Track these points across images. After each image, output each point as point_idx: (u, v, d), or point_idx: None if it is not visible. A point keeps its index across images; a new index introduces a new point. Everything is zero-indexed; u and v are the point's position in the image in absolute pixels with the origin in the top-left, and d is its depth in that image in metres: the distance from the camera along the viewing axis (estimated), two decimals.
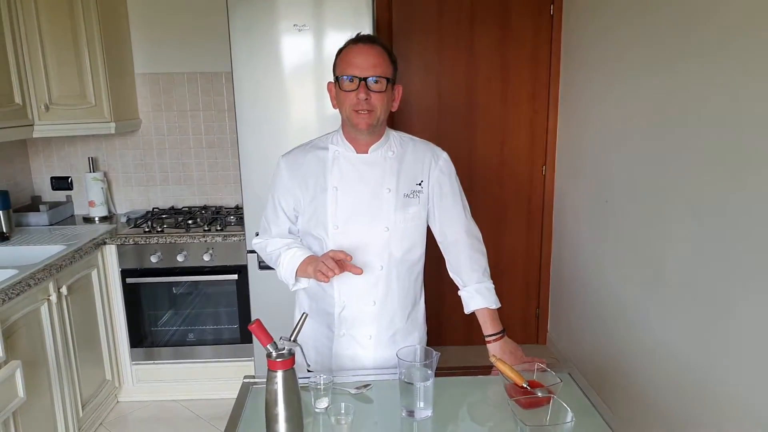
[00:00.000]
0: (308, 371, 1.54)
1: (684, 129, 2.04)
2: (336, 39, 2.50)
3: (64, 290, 2.42)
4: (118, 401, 2.98)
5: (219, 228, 2.88)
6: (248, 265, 2.71)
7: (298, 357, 1.30)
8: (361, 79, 1.42)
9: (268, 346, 1.26)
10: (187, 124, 3.29)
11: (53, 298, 2.34)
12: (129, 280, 2.85)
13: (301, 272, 1.54)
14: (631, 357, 2.47)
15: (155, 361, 2.97)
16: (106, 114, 2.89)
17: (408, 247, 1.57)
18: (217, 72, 3.22)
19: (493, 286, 1.64)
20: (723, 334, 1.83)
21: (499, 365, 1.43)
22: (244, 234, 2.72)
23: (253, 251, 2.69)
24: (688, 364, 2.03)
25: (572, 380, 1.54)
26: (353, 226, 1.52)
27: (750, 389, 1.70)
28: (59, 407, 2.39)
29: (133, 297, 2.89)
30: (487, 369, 1.56)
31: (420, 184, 1.56)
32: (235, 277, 2.85)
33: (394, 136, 1.59)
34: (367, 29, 2.50)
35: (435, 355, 1.36)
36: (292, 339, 1.29)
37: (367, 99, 1.43)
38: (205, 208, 3.28)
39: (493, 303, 1.61)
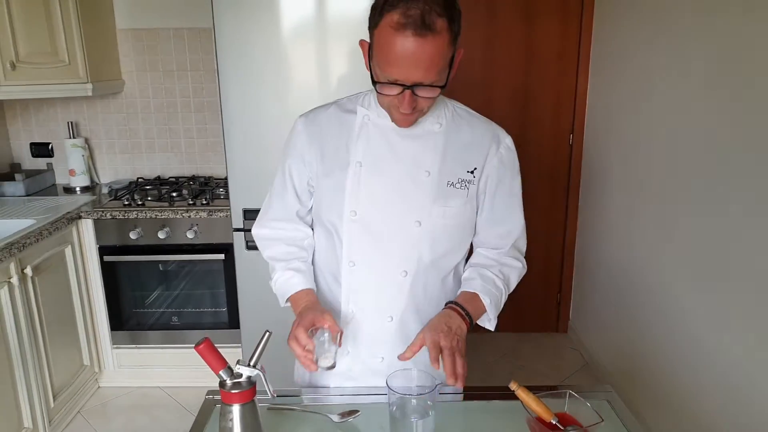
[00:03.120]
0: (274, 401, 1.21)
1: (743, 94, 1.68)
2: None
3: (28, 270, 2.17)
4: (99, 387, 2.77)
5: (204, 202, 2.60)
6: (234, 244, 2.43)
7: (261, 386, 1.02)
8: (405, 87, 1.02)
9: (220, 373, 0.99)
10: (174, 86, 2.98)
11: (14, 280, 2.09)
12: (107, 258, 2.60)
13: (293, 305, 1.24)
14: (665, 355, 2.17)
15: (138, 346, 2.74)
16: (82, 73, 2.59)
17: (443, 251, 1.21)
18: (205, 28, 2.88)
19: (503, 292, 1.26)
20: None
21: (521, 394, 1.13)
22: (230, 210, 2.43)
23: (240, 229, 2.41)
24: (736, 369, 1.72)
25: (612, 410, 1.24)
26: (376, 215, 1.17)
27: None
28: (24, 398, 2.16)
29: (111, 276, 2.64)
30: (503, 392, 1.23)
31: (472, 173, 1.19)
32: (221, 257, 2.58)
33: (445, 105, 1.20)
34: None
35: (437, 383, 1.07)
36: (251, 364, 1.00)
37: (412, 107, 1.05)
38: (193, 178, 2.99)
39: (491, 305, 1.21)
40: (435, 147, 1.18)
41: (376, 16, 1.01)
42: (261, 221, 1.33)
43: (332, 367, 1.10)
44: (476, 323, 1.24)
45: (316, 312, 1.11)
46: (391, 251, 1.19)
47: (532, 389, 1.13)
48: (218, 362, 0.98)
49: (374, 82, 1.06)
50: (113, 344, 2.73)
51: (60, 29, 2.51)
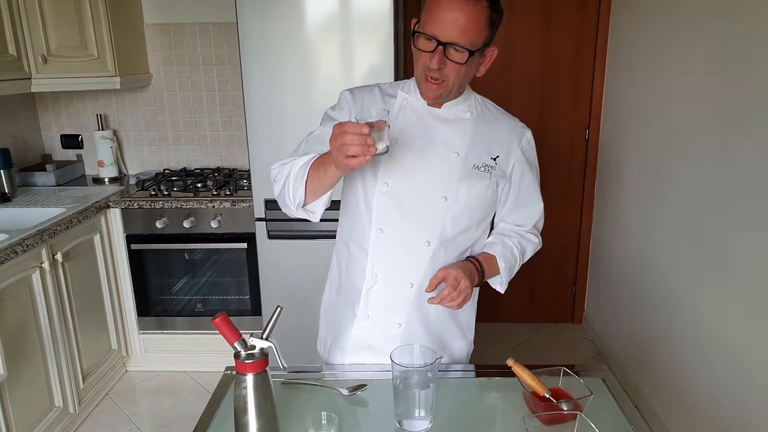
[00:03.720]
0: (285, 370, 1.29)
1: (757, 91, 1.69)
2: None
3: (59, 257, 2.28)
4: (127, 370, 2.88)
5: (228, 193, 2.68)
6: (257, 233, 2.51)
7: (273, 357, 1.09)
8: (440, 43, 1.14)
9: (235, 344, 1.06)
10: (200, 80, 3.08)
11: (46, 265, 2.20)
12: (134, 246, 2.70)
13: (317, 177, 1.20)
14: (679, 347, 2.19)
15: (164, 331, 2.85)
16: (110, 67, 2.69)
17: (464, 227, 1.31)
18: (230, 23, 2.94)
19: (518, 261, 1.38)
20: None
21: (517, 369, 1.19)
22: (252, 200, 2.52)
23: (262, 219, 2.49)
24: (749, 363, 1.74)
25: (606, 388, 1.29)
26: (407, 187, 1.27)
27: None
28: (55, 379, 2.28)
29: (138, 264, 2.75)
30: (501, 370, 1.29)
31: (495, 160, 1.30)
32: (243, 246, 2.67)
33: (476, 98, 1.33)
34: None
35: (437, 358, 1.13)
36: (264, 336, 1.07)
37: (439, 68, 1.16)
38: (218, 170, 3.09)
39: (505, 270, 1.34)
40: (465, 132, 1.29)
41: None
42: (287, 158, 1.33)
43: (386, 150, 1.09)
44: (488, 283, 1.37)
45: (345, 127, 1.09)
46: (418, 222, 1.28)
47: (529, 368, 1.19)
48: (233, 334, 1.05)
49: (415, 34, 1.16)
50: (140, 329, 2.84)
51: (89, 24, 2.60)
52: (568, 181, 3.21)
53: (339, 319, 1.41)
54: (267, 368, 1.06)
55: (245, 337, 1.06)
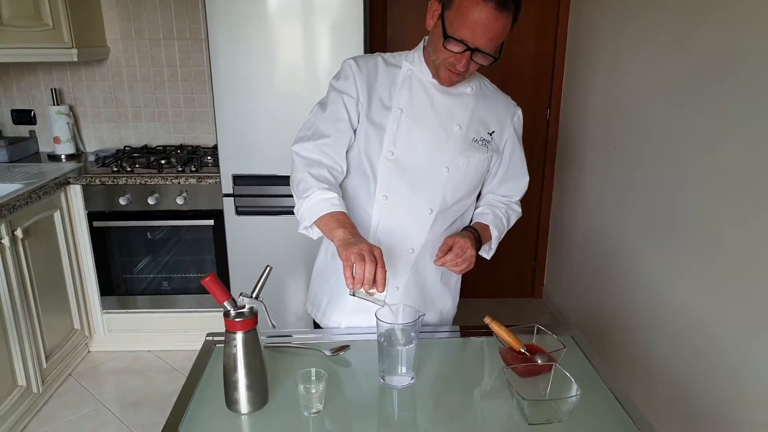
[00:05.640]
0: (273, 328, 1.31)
1: (708, 69, 1.79)
2: None
3: (19, 233, 2.21)
4: (89, 351, 2.83)
5: (194, 169, 2.65)
6: (224, 209, 2.49)
7: (262, 316, 1.11)
8: (469, 48, 1.18)
9: (225, 303, 1.07)
10: (161, 55, 3.00)
11: (5, 241, 2.13)
12: (96, 224, 2.64)
13: (323, 227, 1.22)
14: (636, 316, 2.31)
15: (128, 310, 2.80)
16: (66, 38, 2.59)
17: (461, 195, 1.38)
18: None
19: (505, 228, 1.48)
20: (744, 293, 1.65)
21: (494, 326, 1.25)
22: (219, 176, 2.50)
23: (229, 195, 2.47)
24: (700, 327, 1.86)
25: (576, 344, 1.37)
26: (412, 156, 1.31)
27: None
28: (18, 358, 2.22)
29: (101, 242, 2.68)
30: (479, 329, 1.36)
31: (491, 135, 1.37)
32: (210, 222, 2.64)
33: (474, 76, 1.38)
34: None
35: (420, 315, 1.17)
36: (254, 296, 1.09)
37: (466, 67, 1.22)
38: (180, 147, 3.03)
39: (495, 236, 1.44)
40: (466, 106, 1.35)
41: None
42: (308, 140, 1.32)
43: (376, 301, 1.14)
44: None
45: (367, 242, 1.13)
46: (421, 190, 1.33)
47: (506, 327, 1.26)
48: (223, 294, 1.06)
49: (445, 37, 1.18)
50: (103, 309, 2.78)
51: None
52: (530, 159, 3.22)
53: (335, 281, 1.43)
54: (256, 327, 1.08)
55: (234, 296, 1.08)
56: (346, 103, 1.32)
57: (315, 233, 1.29)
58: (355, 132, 1.33)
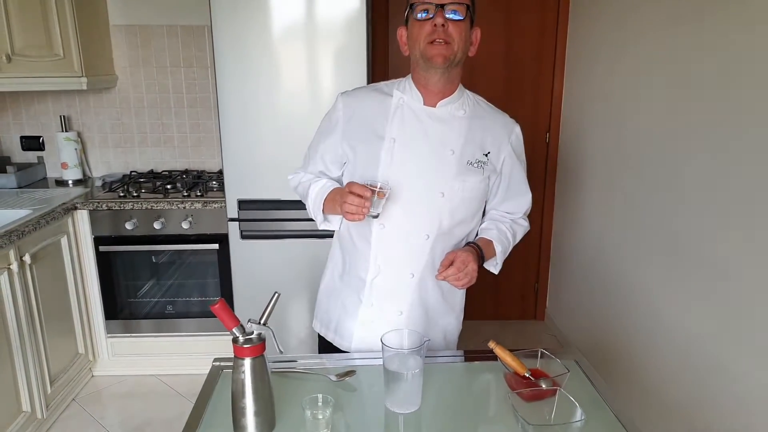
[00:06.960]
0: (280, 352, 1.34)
1: (706, 95, 1.84)
2: None
3: (27, 258, 2.24)
4: (93, 375, 2.83)
5: (199, 194, 2.68)
6: (229, 234, 2.52)
7: (269, 342, 1.13)
8: (437, 6, 1.24)
9: (233, 330, 1.09)
10: (168, 82, 3.07)
11: (14, 267, 2.15)
12: (102, 248, 2.67)
13: (328, 208, 1.39)
14: (637, 338, 2.32)
15: (132, 334, 2.81)
16: (76, 67, 2.66)
17: (459, 220, 1.39)
18: (199, 25, 2.97)
19: (511, 243, 1.50)
20: (746, 316, 1.67)
21: (498, 351, 1.27)
22: (225, 201, 2.53)
23: (235, 219, 2.51)
24: (702, 350, 1.87)
25: (579, 368, 1.38)
26: (406, 184, 1.34)
27: None
28: (23, 383, 2.23)
29: (107, 266, 2.71)
30: (484, 354, 1.37)
31: (487, 156, 1.39)
32: (215, 246, 2.67)
33: (468, 96, 1.42)
34: None
35: (425, 341, 1.19)
36: (262, 322, 1.11)
37: (444, 26, 1.24)
38: (186, 172, 3.08)
39: (501, 253, 1.46)
40: (459, 130, 1.36)
41: None
42: (299, 171, 1.54)
43: (377, 216, 1.27)
44: (483, 266, 1.46)
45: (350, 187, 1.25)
46: (418, 217, 1.36)
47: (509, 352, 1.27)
48: (232, 320, 1.08)
49: (411, 23, 1.28)
50: (108, 333, 2.79)
51: (55, 23, 2.56)
52: (530, 181, 3.31)
53: (343, 302, 1.47)
54: (264, 353, 1.10)
55: (242, 322, 1.10)
56: (323, 147, 1.44)
57: (334, 223, 1.44)
58: (349, 162, 1.41)
